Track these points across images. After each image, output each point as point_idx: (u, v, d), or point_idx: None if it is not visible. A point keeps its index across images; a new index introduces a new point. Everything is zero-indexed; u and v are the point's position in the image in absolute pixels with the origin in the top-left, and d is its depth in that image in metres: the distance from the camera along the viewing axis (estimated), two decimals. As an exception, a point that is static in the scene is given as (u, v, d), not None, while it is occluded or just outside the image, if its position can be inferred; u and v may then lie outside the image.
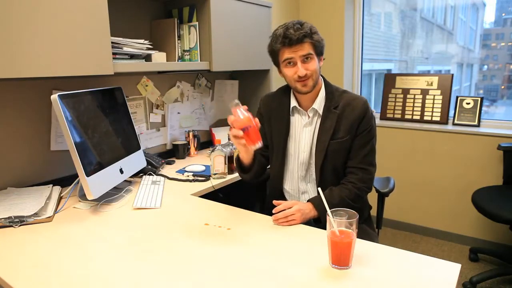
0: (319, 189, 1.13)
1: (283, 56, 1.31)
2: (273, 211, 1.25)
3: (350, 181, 1.34)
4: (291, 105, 1.42)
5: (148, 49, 1.71)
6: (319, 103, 1.38)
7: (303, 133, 1.41)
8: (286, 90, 1.46)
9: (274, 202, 1.27)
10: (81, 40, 1.38)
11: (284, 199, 1.53)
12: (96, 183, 1.34)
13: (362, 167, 1.35)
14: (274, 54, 1.35)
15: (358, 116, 1.34)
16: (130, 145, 1.67)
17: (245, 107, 1.22)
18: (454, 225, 2.71)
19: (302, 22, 1.30)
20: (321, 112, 1.38)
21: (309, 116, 1.40)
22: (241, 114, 1.19)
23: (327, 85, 1.41)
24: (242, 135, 1.19)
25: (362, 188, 1.34)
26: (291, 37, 1.26)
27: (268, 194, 1.56)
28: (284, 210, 1.24)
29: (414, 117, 2.84)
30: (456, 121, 2.68)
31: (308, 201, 1.32)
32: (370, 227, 1.47)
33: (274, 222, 1.24)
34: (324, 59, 1.38)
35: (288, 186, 1.49)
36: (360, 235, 1.33)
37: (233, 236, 1.17)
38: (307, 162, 1.42)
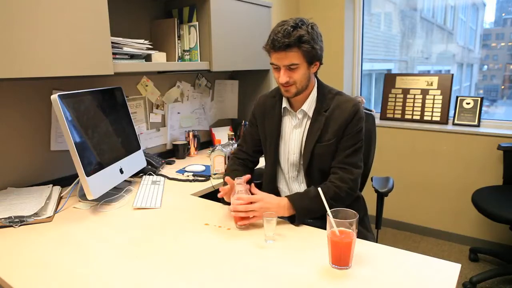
0: (319, 189, 1.12)
1: (270, 59, 1.30)
2: (235, 202, 1.21)
3: (330, 180, 1.32)
4: (282, 106, 1.42)
5: (148, 49, 1.71)
6: (309, 105, 1.37)
7: (293, 135, 1.41)
8: (280, 91, 1.44)
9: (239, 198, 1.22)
10: (81, 40, 1.38)
11: (279, 195, 1.52)
12: (96, 183, 1.34)
13: (343, 167, 1.32)
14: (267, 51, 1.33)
15: (346, 119, 1.31)
16: (130, 145, 1.67)
17: (247, 186, 1.27)
18: (454, 225, 2.71)
19: (297, 26, 1.22)
20: (310, 114, 1.36)
21: (298, 118, 1.39)
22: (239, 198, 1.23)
23: (320, 86, 1.39)
24: (233, 214, 1.22)
25: (342, 188, 1.29)
26: (275, 44, 1.22)
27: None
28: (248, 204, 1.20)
29: (414, 117, 2.85)
30: (456, 121, 2.68)
31: (287, 196, 1.27)
32: (365, 228, 1.47)
33: (232, 213, 1.21)
34: (321, 64, 1.33)
35: (282, 186, 1.50)
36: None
37: (233, 236, 1.17)
38: (297, 163, 1.42)
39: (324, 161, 1.35)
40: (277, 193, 1.52)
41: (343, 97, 1.37)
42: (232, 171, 1.48)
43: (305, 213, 1.25)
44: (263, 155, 1.55)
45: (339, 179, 1.31)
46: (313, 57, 1.28)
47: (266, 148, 1.48)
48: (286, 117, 1.43)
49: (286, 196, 1.27)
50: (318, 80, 1.40)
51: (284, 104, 1.41)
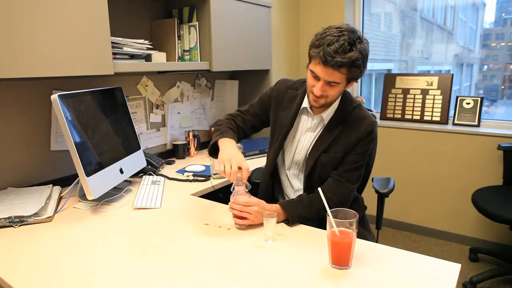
0: (319, 189, 1.12)
1: (312, 65, 1.23)
2: (233, 201, 1.22)
3: (322, 189, 1.32)
4: (302, 106, 1.39)
5: (148, 49, 1.71)
6: (328, 114, 1.34)
7: (304, 136, 1.40)
8: (304, 86, 1.39)
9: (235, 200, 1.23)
10: (81, 40, 1.38)
11: (280, 186, 1.52)
12: (96, 183, 1.34)
13: (339, 179, 1.32)
14: (309, 52, 1.25)
15: (358, 136, 1.30)
16: (130, 145, 1.67)
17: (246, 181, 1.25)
18: (454, 225, 2.71)
19: (354, 43, 1.14)
20: (326, 122, 1.35)
21: (314, 122, 1.38)
22: (241, 200, 1.22)
23: (344, 97, 1.35)
24: (233, 214, 1.23)
25: (331, 199, 1.27)
26: (328, 59, 1.14)
27: (261, 181, 1.54)
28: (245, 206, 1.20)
29: (414, 117, 2.85)
30: (456, 121, 2.68)
31: (279, 203, 1.28)
32: (365, 228, 1.47)
33: (229, 209, 1.22)
34: (356, 82, 1.29)
35: (283, 178, 1.50)
36: None
37: (233, 236, 1.17)
38: (301, 164, 1.41)
39: (326, 170, 1.35)
40: (278, 183, 1.52)
41: (362, 112, 1.34)
42: (227, 128, 1.44)
43: (298, 219, 1.27)
44: (256, 133, 1.54)
45: (331, 190, 1.31)
46: (355, 78, 1.23)
47: (273, 136, 1.46)
48: (302, 116, 1.41)
49: (279, 203, 1.28)
50: (344, 91, 1.36)
51: (305, 104, 1.38)
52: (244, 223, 1.22)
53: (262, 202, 1.25)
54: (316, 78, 1.22)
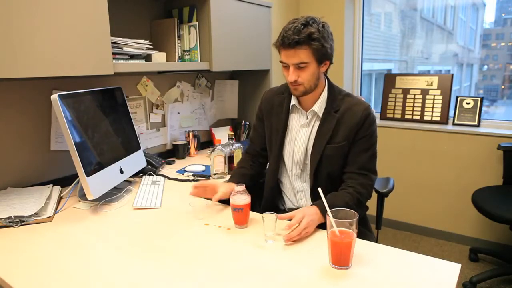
0: (319, 189, 1.12)
1: (280, 56, 1.29)
2: (285, 229, 1.15)
3: (351, 186, 1.31)
4: (291, 104, 1.41)
5: (148, 49, 1.71)
6: (320, 106, 1.36)
7: (300, 133, 1.40)
8: (289, 88, 1.42)
9: (279, 217, 1.15)
10: (81, 40, 1.38)
11: (280, 192, 1.53)
12: (96, 183, 1.34)
13: (362, 173, 1.32)
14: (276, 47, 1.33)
15: (357, 122, 1.31)
16: (130, 145, 1.67)
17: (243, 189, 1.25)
18: (454, 225, 2.71)
19: (307, 23, 1.22)
20: (320, 114, 1.36)
21: (307, 117, 1.39)
22: (240, 199, 1.22)
23: (331, 87, 1.38)
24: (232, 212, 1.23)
25: (363, 193, 1.30)
26: (284, 41, 1.22)
27: (265, 186, 1.55)
28: (295, 226, 1.13)
29: (414, 117, 2.85)
30: (456, 121, 2.68)
31: (313, 205, 1.24)
32: (366, 228, 1.47)
33: (287, 243, 1.10)
34: (331, 64, 1.33)
35: (285, 181, 1.50)
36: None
37: (233, 236, 1.17)
38: (302, 162, 1.41)
39: (333, 163, 1.35)
40: (278, 187, 1.53)
41: (353, 99, 1.36)
42: (239, 168, 1.54)
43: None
44: None
45: (360, 184, 1.31)
46: (323, 56, 1.27)
47: (271, 142, 1.48)
48: (294, 115, 1.43)
49: (315, 204, 1.22)
50: (329, 80, 1.39)
51: (293, 101, 1.41)
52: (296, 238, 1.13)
53: (302, 209, 1.19)
54: (286, 66, 1.28)
